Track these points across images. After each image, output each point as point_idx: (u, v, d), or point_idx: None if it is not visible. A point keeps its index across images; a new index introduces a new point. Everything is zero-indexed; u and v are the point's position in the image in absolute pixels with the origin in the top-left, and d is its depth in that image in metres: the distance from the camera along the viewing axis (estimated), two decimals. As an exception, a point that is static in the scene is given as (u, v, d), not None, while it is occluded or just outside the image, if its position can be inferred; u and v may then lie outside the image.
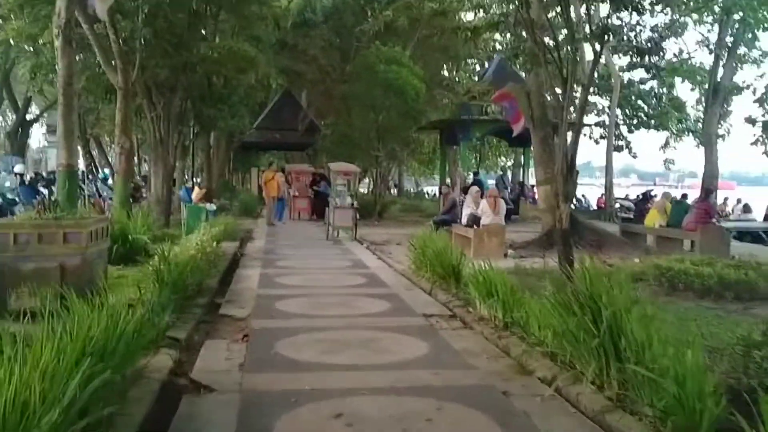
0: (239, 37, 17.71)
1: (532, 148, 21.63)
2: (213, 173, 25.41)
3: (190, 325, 6.41)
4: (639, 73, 34.40)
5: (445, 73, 34.36)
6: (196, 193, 13.41)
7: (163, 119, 15.72)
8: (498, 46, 33.61)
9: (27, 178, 17.17)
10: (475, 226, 13.33)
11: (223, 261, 11.18)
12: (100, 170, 26.42)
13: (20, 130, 26.67)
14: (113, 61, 12.59)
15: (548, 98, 14.54)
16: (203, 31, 17.00)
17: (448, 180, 24.61)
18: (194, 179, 20.77)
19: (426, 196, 43.77)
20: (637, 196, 27.06)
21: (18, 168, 17.17)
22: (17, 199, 14.51)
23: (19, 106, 26.28)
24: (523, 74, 23.91)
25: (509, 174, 40.36)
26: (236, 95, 19.94)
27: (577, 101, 11.29)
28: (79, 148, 32.71)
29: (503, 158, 47.95)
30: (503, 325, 6.63)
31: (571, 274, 7.77)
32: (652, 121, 34.72)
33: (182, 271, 7.43)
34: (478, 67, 37.14)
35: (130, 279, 8.66)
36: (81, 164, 32.58)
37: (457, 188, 20.05)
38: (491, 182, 27.53)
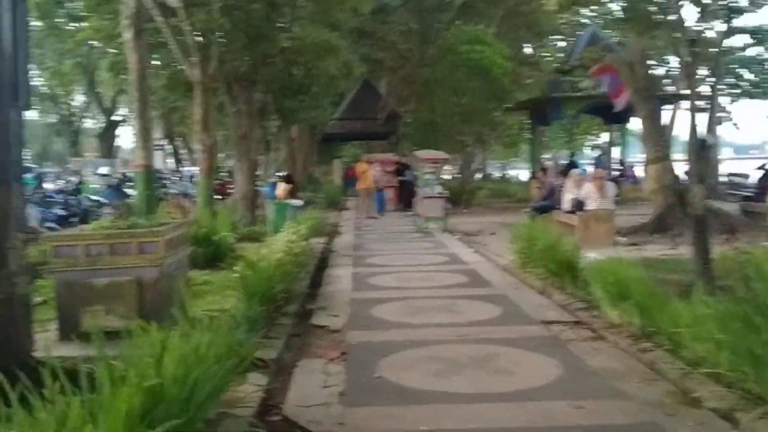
0: (318, 25, 16.99)
1: (634, 124, 20.02)
2: (297, 167, 24.99)
3: (280, 342, 5.67)
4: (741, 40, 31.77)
5: (530, 50, 32.76)
6: (281, 188, 12.82)
7: (244, 114, 15.24)
8: (584, 21, 31.91)
9: (113, 179, 17.17)
10: (578, 212, 12.18)
11: (312, 260, 10.51)
12: (187, 168, 26.55)
13: (108, 131, 27.16)
14: (190, 56, 12.11)
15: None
16: (281, 20, 16.35)
17: (544, 163, 23.27)
18: (278, 174, 20.30)
19: (511, 180, 42.23)
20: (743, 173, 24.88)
21: (103, 169, 17.19)
22: (103, 201, 14.41)
23: (107, 108, 26.75)
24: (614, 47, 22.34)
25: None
26: (317, 86, 19.31)
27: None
28: (170, 147, 33.36)
29: (592, 137, 45.78)
30: (641, 334, 5.58)
31: (711, 268, 6.69)
32: (757, 90, 31.98)
33: (270, 277, 6.73)
34: (563, 44, 35.36)
35: (216, 285, 8.10)
36: (172, 163, 33.17)
37: (552, 171, 18.79)
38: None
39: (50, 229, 10.88)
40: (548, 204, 13.82)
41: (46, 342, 5.29)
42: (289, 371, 5.09)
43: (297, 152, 26.71)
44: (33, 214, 10.40)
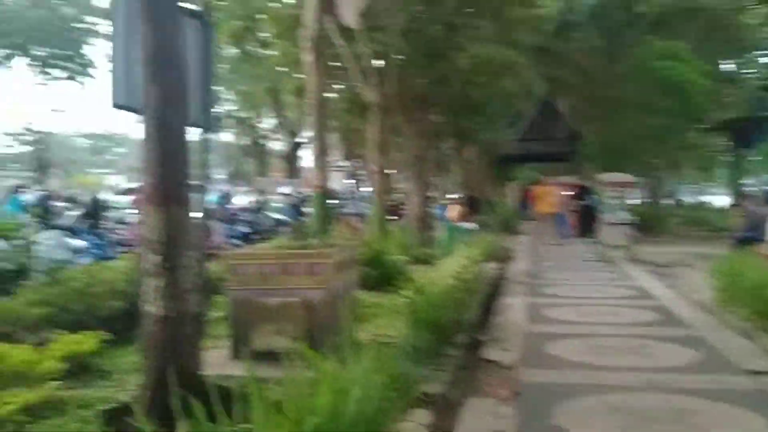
0: (498, 44, 16.63)
1: None
2: (471, 189, 24.64)
3: (447, 375, 5.32)
4: None
5: (731, 66, 30.03)
6: (455, 210, 12.56)
7: (419, 135, 15.20)
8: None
9: (294, 198, 17.93)
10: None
11: (484, 286, 10.07)
12: (364, 189, 27.26)
13: (293, 152, 28.70)
14: (368, 78, 12.25)
15: None
16: (460, 40, 16.15)
17: (747, 189, 21.07)
18: (450, 196, 20.13)
19: (708, 207, 38.80)
20: None
21: (285, 189, 18.04)
22: (283, 219, 15.03)
23: (291, 130, 28.29)
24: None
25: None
26: (494, 106, 18.89)
27: None
28: (349, 167, 34.59)
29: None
30: None
31: None
32: None
33: (438, 304, 6.41)
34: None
35: (384, 308, 7.94)
36: (351, 184, 34.34)
37: (757, 199, 16.84)
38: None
39: (235, 246, 11.43)
40: (753, 235, 12.29)
41: (219, 360, 5.38)
42: (456, 410, 4.72)
43: (472, 174, 26.35)
44: (219, 230, 10.97)
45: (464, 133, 18.65)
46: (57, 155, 60.77)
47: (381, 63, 12.74)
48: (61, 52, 30.38)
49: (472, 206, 12.66)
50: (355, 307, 6.30)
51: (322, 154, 7.70)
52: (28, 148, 39.45)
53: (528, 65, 17.72)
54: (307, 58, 7.73)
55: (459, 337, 6.61)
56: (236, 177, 45.89)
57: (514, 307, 8.75)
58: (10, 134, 48.92)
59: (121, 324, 6.10)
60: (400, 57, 13.12)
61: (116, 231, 10.29)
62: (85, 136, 74.32)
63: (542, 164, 35.45)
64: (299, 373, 3.50)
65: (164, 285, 3.97)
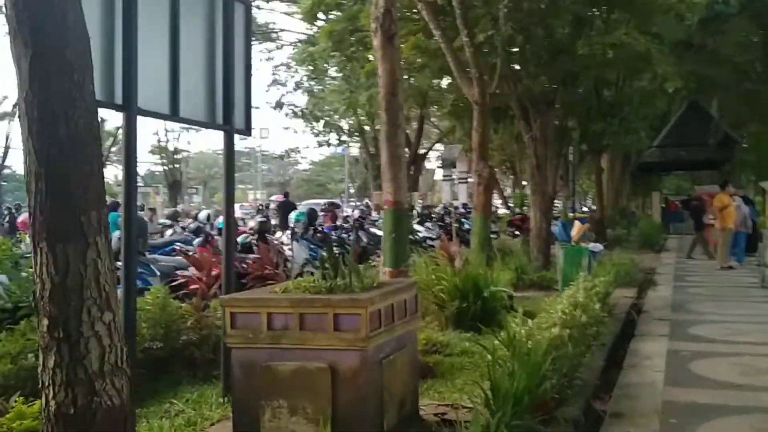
0: (634, 34, 14.28)
1: None
2: (605, 201, 22.15)
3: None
4: None
5: None
6: (576, 229, 10.52)
7: (539, 141, 13.23)
8: None
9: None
10: None
11: (612, 325, 8.00)
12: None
13: (411, 164, 27.18)
14: (467, 71, 10.55)
15: None
16: (589, 34, 13.99)
17: None
18: (574, 210, 17.83)
19: None
20: None
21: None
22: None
23: (409, 141, 26.88)
24: None
25: None
26: (629, 106, 16.50)
27: None
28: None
29: None
30: None
31: None
32: None
33: (535, 366, 4.62)
34: None
35: (476, 357, 6.25)
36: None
37: None
38: None
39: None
40: None
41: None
42: None
43: (608, 184, 23.82)
44: (299, 252, 9.67)
45: (595, 139, 16.41)
46: (198, 173, 63.27)
47: (479, 54, 10.93)
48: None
49: (602, 222, 10.55)
50: (415, 370, 4.63)
51: (394, 161, 6.13)
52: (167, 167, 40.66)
53: (665, 58, 15.23)
54: (375, 41, 6.22)
55: (564, 411, 4.76)
56: (363, 192, 45.33)
57: (648, 359, 6.67)
58: (154, 153, 49.88)
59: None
60: (511, 50, 11.29)
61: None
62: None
63: (692, 172, 32.30)
64: None
65: (55, 365, 2.56)
